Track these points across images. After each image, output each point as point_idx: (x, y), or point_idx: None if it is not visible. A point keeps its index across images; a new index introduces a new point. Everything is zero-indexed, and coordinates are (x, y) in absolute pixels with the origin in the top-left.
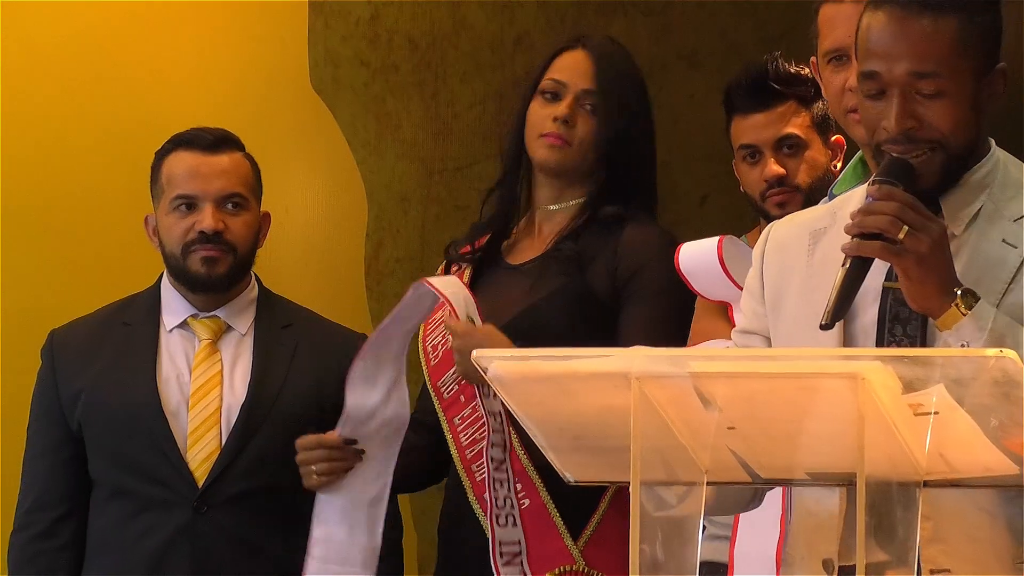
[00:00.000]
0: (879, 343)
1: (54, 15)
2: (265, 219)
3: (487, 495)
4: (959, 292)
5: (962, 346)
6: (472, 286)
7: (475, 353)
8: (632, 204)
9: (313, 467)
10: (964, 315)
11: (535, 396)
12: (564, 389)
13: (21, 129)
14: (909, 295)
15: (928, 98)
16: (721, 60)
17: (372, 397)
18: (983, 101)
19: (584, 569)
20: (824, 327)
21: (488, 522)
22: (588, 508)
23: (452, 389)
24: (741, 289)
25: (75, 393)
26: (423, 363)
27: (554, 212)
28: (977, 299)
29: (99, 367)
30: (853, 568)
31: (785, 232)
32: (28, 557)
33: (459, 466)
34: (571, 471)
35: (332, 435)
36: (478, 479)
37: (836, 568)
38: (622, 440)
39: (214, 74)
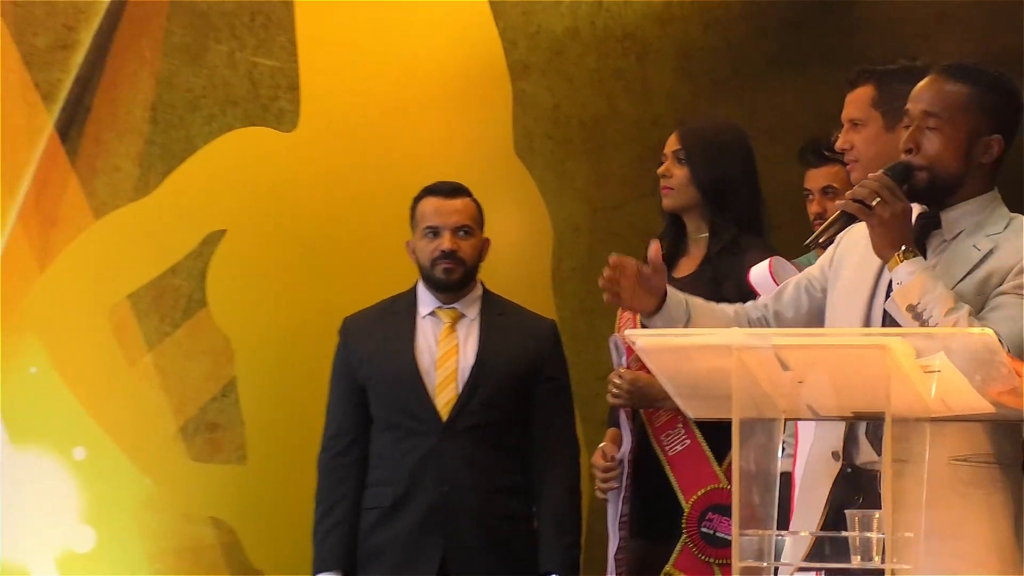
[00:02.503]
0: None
1: (349, 109)
2: (486, 243)
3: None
4: (904, 248)
5: (898, 284)
6: None
7: (628, 332)
8: (747, 231)
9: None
10: (901, 262)
11: (667, 360)
12: (687, 356)
13: (330, 184)
14: (873, 245)
15: (929, 130)
16: (794, 136)
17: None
18: (974, 153)
19: (726, 486)
20: (805, 245)
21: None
22: (726, 446)
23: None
24: None
25: (360, 359)
26: (624, 352)
27: (699, 239)
28: (916, 255)
29: (376, 341)
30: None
31: (856, 231)
32: (330, 468)
33: (650, 431)
34: (691, 411)
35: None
36: (660, 431)
37: (841, 456)
38: (726, 390)
39: (451, 146)
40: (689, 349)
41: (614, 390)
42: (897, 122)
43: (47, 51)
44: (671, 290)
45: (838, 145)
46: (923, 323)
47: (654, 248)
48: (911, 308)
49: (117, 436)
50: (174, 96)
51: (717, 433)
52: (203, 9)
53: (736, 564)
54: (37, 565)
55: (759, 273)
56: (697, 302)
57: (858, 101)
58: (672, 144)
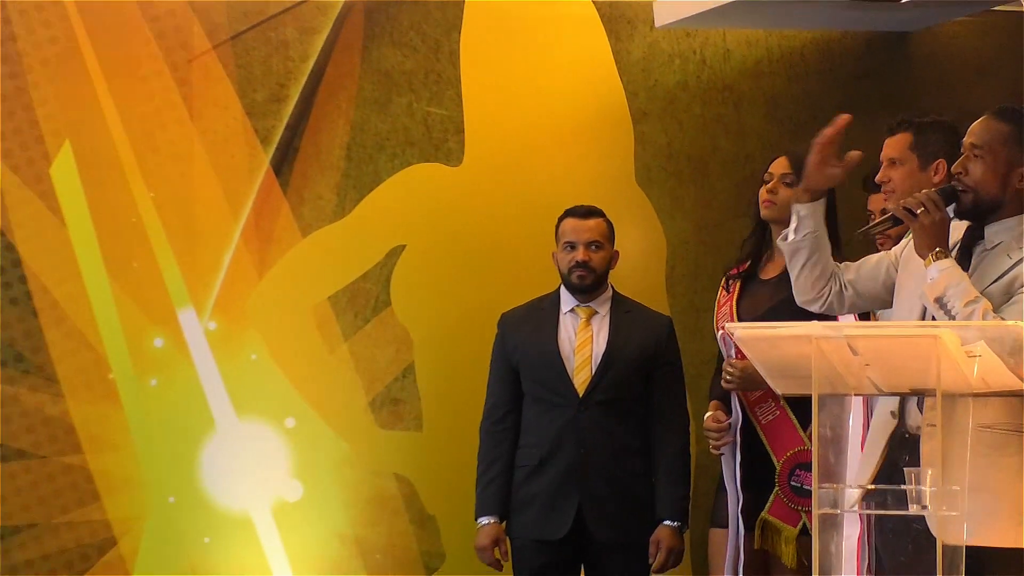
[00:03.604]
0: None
1: (504, 148)
2: (615, 254)
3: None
4: (938, 250)
5: (930, 279)
6: (741, 291)
7: (728, 325)
8: None
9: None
10: (934, 262)
11: (760, 348)
12: (775, 344)
13: (488, 207)
14: (914, 245)
15: (976, 158)
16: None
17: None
18: (1011, 180)
19: (810, 448)
20: (856, 234)
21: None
22: (809, 414)
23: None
24: None
25: (514, 346)
26: (732, 345)
27: (783, 246)
28: (947, 256)
29: (527, 332)
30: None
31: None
32: (490, 433)
33: (746, 404)
34: (779, 388)
35: (724, 423)
36: (754, 405)
37: (897, 415)
38: (807, 371)
39: (584, 177)
40: (777, 339)
41: (728, 376)
42: (928, 163)
43: (264, 104)
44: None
45: (878, 178)
46: (947, 312)
47: (844, 120)
48: (937, 299)
49: (320, 408)
50: (365, 139)
51: (801, 405)
52: (388, 69)
53: (816, 512)
54: (257, 512)
55: None
56: (824, 238)
57: (897, 144)
58: (782, 167)
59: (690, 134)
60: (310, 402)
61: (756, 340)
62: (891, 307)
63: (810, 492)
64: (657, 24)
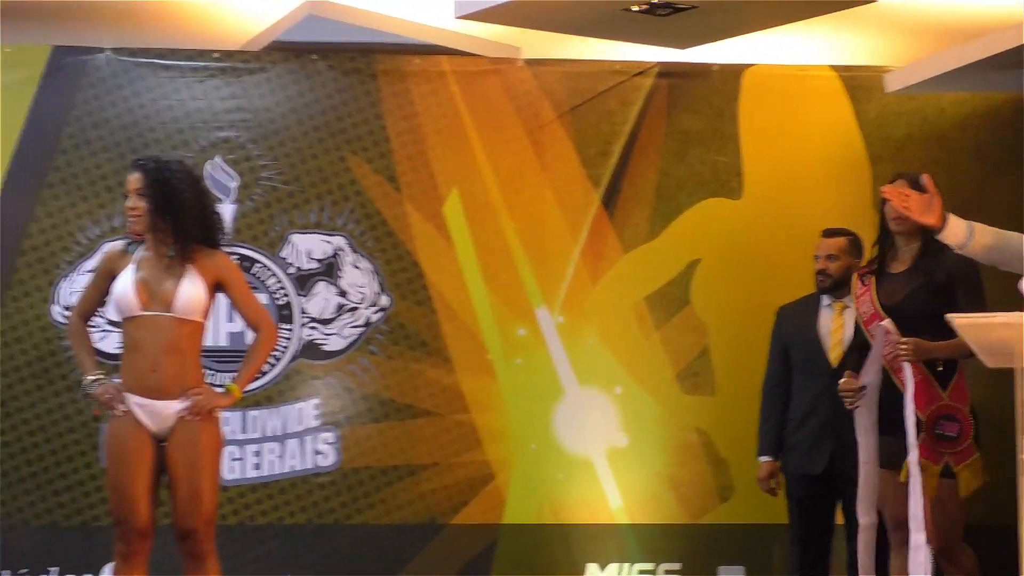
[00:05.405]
0: None
1: (772, 184)
2: (854, 264)
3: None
4: None
5: None
6: (877, 284)
7: (947, 316)
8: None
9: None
10: None
11: (975, 332)
12: (988, 329)
13: (762, 229)
14: None
15: None
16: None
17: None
18: None
19: (948, 404)
20: None
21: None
22: (948, 378)
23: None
24: None
25: (786, 330)
26: (884, 331)
27: (911, 247)
28: None
29: (796, 321)
30: None
31: None
32: (769, 394)
33: (891, 372)
34: (989, 362)
35: (856, 383)
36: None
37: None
38: (1010, 348)
39: (837, 204)
40: (990, 325)
41: (902, 351)
42: None
43: (595, 157)
44: (952, 216)
45: None
46: None
47: (926, 177)
48: None
49: (639, 379)
50: (669, 181)
51: (936, 371)
52: (685, 129)
53: (1020, 456)
54: (595, 456)
55: None
56: (978, 225)
57: None
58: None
59: (914, 171)
60: (632, 375)
61: (973, 326)
62: None
63: (950, 438)
64: (888, 90)
